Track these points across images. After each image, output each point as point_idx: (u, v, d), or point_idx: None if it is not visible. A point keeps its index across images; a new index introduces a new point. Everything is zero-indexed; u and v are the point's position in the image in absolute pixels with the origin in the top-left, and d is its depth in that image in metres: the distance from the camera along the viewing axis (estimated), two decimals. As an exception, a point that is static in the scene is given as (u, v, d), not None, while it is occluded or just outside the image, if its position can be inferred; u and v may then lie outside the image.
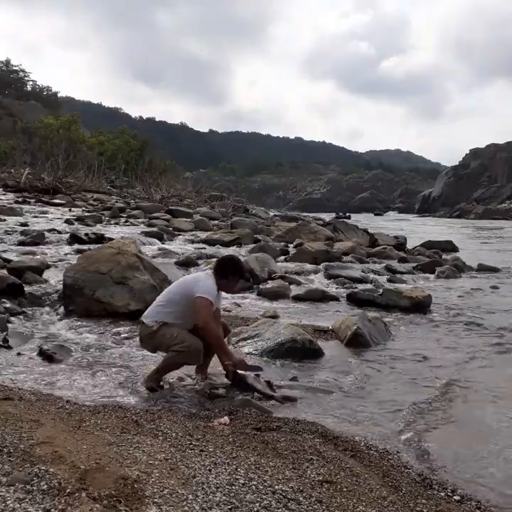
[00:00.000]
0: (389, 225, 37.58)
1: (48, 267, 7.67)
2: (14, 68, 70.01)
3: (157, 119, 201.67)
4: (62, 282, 6.22)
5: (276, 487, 2.19)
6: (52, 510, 1.73)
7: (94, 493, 1.86)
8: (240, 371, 3.81)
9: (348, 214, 63.52)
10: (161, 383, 3.83)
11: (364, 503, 2.23)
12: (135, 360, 4.43)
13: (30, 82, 71.85)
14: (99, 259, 6.22)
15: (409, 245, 16.71)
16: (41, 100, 65.59)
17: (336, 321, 6.02)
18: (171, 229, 15.44)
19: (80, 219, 15.13)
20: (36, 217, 15.21)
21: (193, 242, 13.59)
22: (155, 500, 1.91)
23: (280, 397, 3.70)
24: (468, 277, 11.12)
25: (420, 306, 7.33)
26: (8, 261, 7.38)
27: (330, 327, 5.94)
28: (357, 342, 5.33)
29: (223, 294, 4.23)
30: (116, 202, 23.47)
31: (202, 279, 3.89)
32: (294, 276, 9.35)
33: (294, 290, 8.19)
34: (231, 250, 12.31)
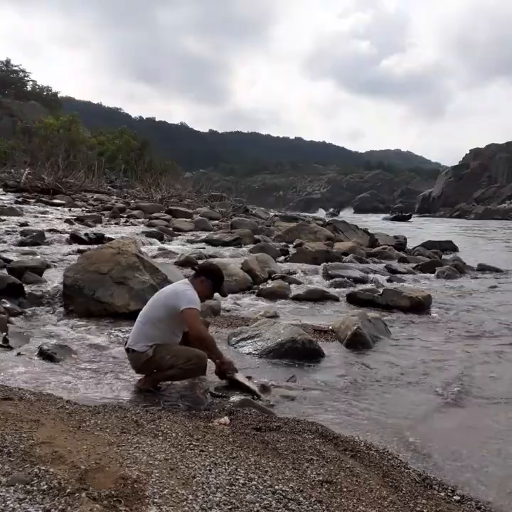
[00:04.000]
0: (390, 225, 37.59)
1: (48, 267, 7.67)
2: (14, 68, 70.12)
3: (157, 119, 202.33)
4: (62, 282, 6.22)
5: (277, 487, 2.19)
6: (52, 510, 1.73)
7: (94, 493, 1.86)
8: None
9: (409, 213, 56.66)
10: (158, 385, 3.82)
11: (364, 503, 2.22)
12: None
13: (30, 82, 71.96)
14: (99, 259, 6.22)
15: (410, 245, 16.72)
16: (41, 100, 65.59)
17: (336, 321, 6.02)
18: (171, 229, 15.45)
19: (79, 219, 15.14)
20: (36, 217, 15.21)
21: (193, 242, 13.59)
22: (155, 500, 1.91)
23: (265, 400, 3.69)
24: (468, 277, 11.12)
25: (420, 306, 7.33)
26: (8, 261, 7.38)
27: (330, 327, 5.94)
28: (357, 342, 5.33)
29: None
30: (116, 202, 23.48)
31: (182, 290, 3.78)
32: (294, 276, 9.36)
33: (294, 290, 8.19)
34: (231, 250, 12.32)
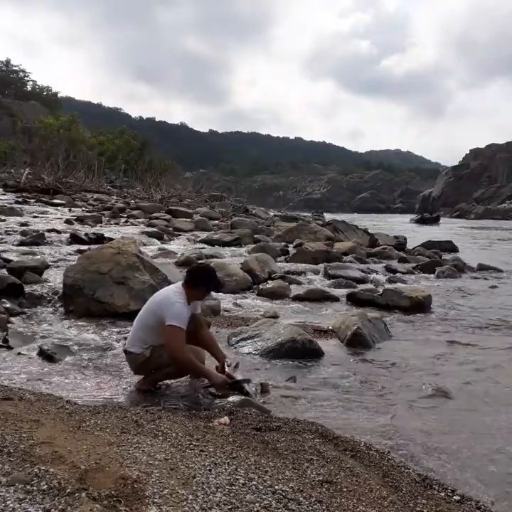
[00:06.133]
0: (390, 225, 37.55)
1: (48, 267, 7.66)
2: (14, 68, 70.11)
3: (157, 119, 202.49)
4: (62, 282, 6.22)
5: (277, 487, 2.19)
6: (52, 510, 1.73)
7: (94, 493, 1.86)
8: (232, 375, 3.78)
9: (437, 214, 49.75)
10: (158, 385, 3.82)
11: (364, 503, 2.22)
12: (135, 360, 4.41)
13: (30, 82, 71.93)
14: (99, 259, 6.22)
15: (410, 245, 16.72)
16: (41, 100, 65.56)
17: (336, 321, 6.02)
18: (171, 229, 15.44)
19: (80, 219, 15.13)
20: (36, 217, 15.20)
21: (193, 242, 13.59)
22: (155, 500, 1.91)
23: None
24: (468, 277, 11.12)
25: (420, 306, 7.33)
26: (8, 261, 7.37)
27: (330, 327, 5.94)
28: (357, 342, 5.33)
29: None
30: (116, 202, 23.47)
31: (171, 299, 3.65)
32: (294, 276, 9.35)
33: (294, 290, 8.19)
34: (231, 250, 12.32)
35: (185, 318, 3.64)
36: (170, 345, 3.56)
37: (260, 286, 8.20)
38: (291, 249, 13.11)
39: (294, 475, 2.37)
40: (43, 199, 20.34)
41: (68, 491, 1.84)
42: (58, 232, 11.96)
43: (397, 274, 10.60)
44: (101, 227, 14.48)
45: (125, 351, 3.85)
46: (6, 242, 9.84)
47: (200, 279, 3.83)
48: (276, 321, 5.79)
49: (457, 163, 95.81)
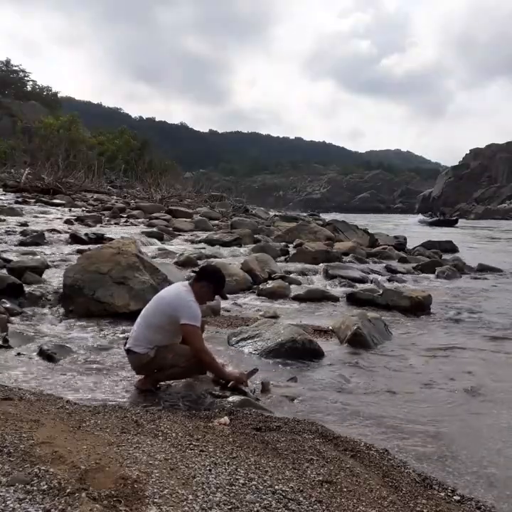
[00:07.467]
0: (390, 226, 37.51)
1: (48, 267, 7.67)
2: (14, 68, 70.14)
3: (157, 119, 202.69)
4: (62, 282, 6.22)
5: (277, 487, 2.19)
6: (52, 510, 1.73)
7: (94, 493, 1.86)
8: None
9: (455, 217, 46.87)
10: (158, 385, 3.81)
11: (364, 503, 2.22)
12: (135, 360, 4.40)
13: (30, 82, 71.94)
14: (99, 259, 6.22)
15: (410, 245, 16.72)
16: (41, 100, 65.57)
17: (336, 321, 6.02)
18: (171, 229, 15.45)
19: (80, 219, 15.14)
20: (36, 217, 15.21)
21: (193, 242, 13.60)
22: (155, 500, 1.91)
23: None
24: (468, 277, 11.12)
25: (420, 306, 7.33)
26: (8, 261, 7.38)
27: (330, 327, 5.94)
28: (357, 342, 5.33)
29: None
30: (116, 202, 23.47)
31: (185, 300, 3.65)
32: (294, 276, 9.35)
33: (294, 290, 8.18)
34: (231, 250, 12.32)
35: (200, 317, 3.69)
36: (195, 345, 3.63)
37: (260, 286, 8.20)
38: (291, 249, 13.11)
39: (294, 475, 2.37)
40: (43, 199, 20.34)
41: (68, 491, 1.84)
42: (58, 232, 11.98)
43: (397, 274, 10.60)
44: (101, 227, 14.49)
45: (127, 350, 3.79)
46: (6, 242, 9.84)
47: (212, 276, 3.84)
48: (276, 321, 5.79)
49: (457, 163, 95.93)
